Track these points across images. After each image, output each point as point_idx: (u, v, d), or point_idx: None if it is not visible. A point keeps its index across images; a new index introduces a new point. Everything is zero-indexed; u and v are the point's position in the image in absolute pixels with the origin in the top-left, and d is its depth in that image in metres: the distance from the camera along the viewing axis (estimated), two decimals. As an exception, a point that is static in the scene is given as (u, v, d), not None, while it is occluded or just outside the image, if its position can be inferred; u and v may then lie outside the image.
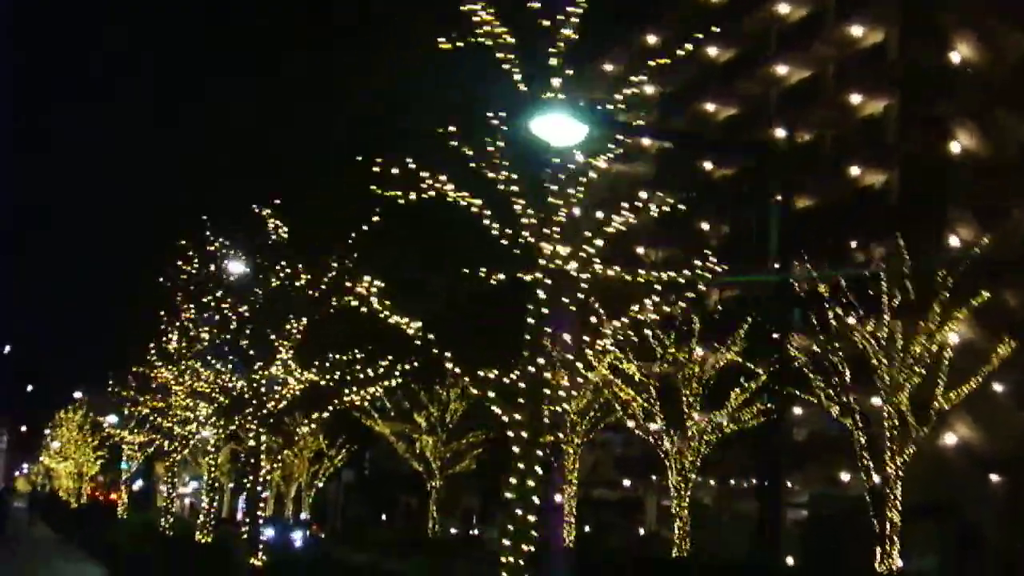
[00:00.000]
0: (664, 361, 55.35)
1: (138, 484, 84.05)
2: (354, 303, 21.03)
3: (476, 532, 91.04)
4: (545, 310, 18.37)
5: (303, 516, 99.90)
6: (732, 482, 79.49)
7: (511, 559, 18.44)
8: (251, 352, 34.39)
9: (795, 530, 73.94)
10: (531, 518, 19.04)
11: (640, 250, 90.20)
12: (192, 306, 40.66)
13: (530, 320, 18.46)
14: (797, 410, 57.06)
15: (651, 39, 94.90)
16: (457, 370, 19.44)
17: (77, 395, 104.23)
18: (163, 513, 52.71)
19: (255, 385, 34.04)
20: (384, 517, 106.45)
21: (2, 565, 46.00)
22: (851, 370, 45.78)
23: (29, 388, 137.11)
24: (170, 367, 44.35)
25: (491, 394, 19.49)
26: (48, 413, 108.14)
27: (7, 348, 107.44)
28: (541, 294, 18.33)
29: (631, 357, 53.81)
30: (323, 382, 33.86)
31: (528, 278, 18.50)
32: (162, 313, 43.88)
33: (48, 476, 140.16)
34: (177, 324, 42.62)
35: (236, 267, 36.67)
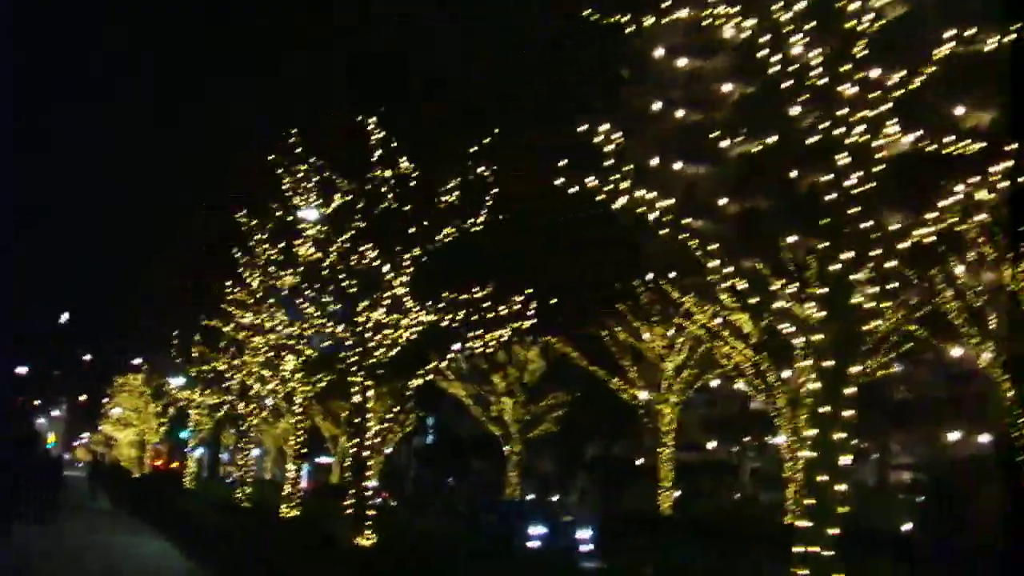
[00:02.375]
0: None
1: (198, 453, 77.82)
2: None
3: (555, 499, 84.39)
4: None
5: (372, 483, 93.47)
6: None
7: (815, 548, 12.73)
8: (354, 289, 27.62)
9: (900, 493, 67.70)
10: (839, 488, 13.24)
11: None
12: (272, 247, 34.07)
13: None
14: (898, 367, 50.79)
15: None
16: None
17: (137, 361, 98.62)
18: (239, 483, 45.90)
19: (359, 330, 27.32)
20: (451, 482, 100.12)
21: (58, 541, 39.37)
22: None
23: (88, 357, 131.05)
24: (249, 315, 37.54)
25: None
26: (108, 380, 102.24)
27: (65, 316, 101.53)
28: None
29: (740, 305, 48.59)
30: (445, 322, 27.07)
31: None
32: (238, 254, 36.91)
33: (108, 445, 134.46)
34: (258, 265, 35.61)
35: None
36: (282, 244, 33.77)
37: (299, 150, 29.10)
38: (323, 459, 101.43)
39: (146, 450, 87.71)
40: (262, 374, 40.05)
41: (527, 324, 27.86)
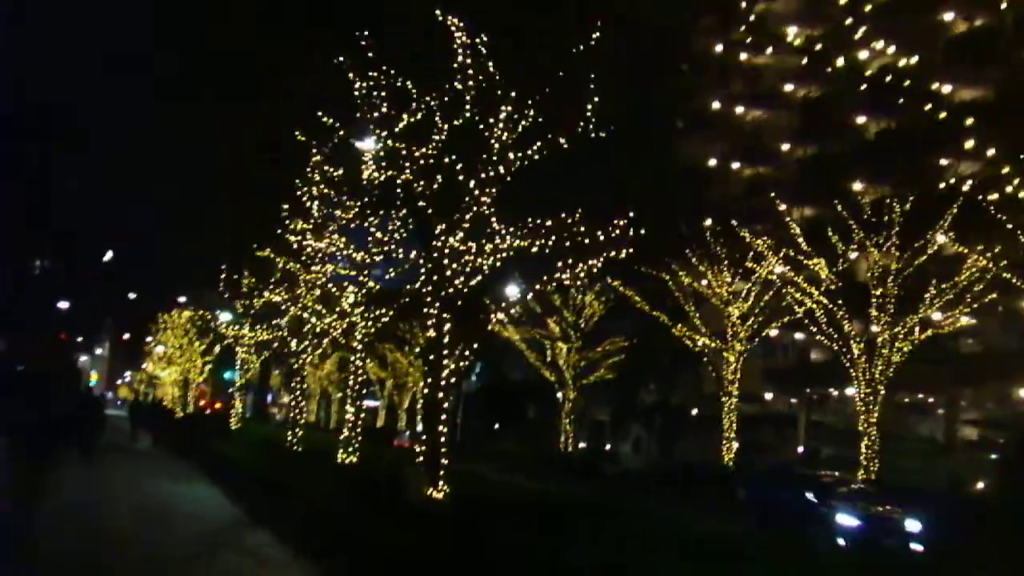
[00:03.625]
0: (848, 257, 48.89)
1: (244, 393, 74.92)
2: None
3: (608, 447, 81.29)
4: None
5: (418, 428, 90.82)
6: (907, 399, 69.87)
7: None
8: (431, 211, 24.09)
9: (970, 452, 64.53)
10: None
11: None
12: (334, 168, 30.66)
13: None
14: (965, 319, 47.90)
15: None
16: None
17: (182, 299, 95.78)
18: (289, 425, 42.51)
19: (436, 256, 23.83)
20: (497, 428, 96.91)
21: (99, 489, 36.17)
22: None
23: (132, 296, 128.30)
24: (308, 241, 34.08)
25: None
26: (153, 318, 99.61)
27: (109, 254, 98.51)
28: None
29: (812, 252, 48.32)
30: (536, 248, 23.50)
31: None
32: (296, 182, 33.44)
33: (151, 384, 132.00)
34: (318, 188, 32.08)
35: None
36: (341, 169, 30.51)
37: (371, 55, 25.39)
38: (369, 402, 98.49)
39: (190, 389, 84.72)
40: (319, 308, 36.57)
41: (623, 253, 24.21)
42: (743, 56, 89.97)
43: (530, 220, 23.78)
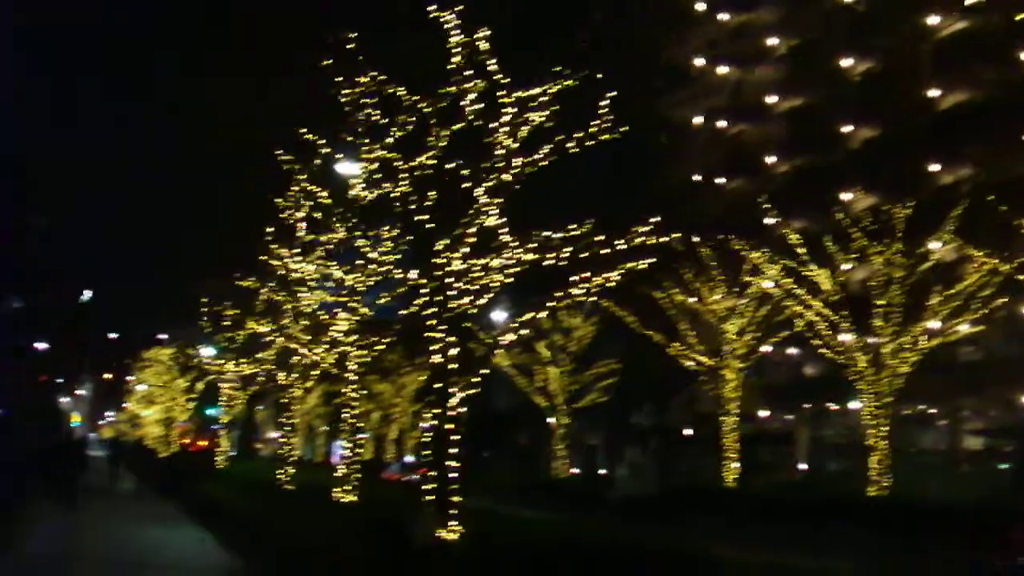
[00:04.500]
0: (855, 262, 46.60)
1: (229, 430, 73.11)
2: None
3: (603, 472, 79.40)
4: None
5: (407, 459, 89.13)
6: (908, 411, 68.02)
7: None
8: (431, 224, 21.84)
9: (976, 464, 62.79)
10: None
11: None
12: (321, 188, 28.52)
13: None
14: (960, 328, 46.10)
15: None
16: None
17: (163, 336, 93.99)
18: (279, 463, 40.20)
19: (438, 275, 21.59)
20: (486, 456, 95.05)
21: (80, 532, 34.02)
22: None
23: (113, 336, 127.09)
24: (297, 266, 31.96)
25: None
26: (134, 355, 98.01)
27: (87, 294, 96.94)
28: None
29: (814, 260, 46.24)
30: (547, 262, 21.25)
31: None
32: (278, 201, 31.32)
33: (134, 424, 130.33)
34: (303, 210, 29.95)
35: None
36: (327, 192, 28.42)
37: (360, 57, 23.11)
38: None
39: (173, 428, 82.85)
40: (308, 338, 34.33)
41: (644, 264, 22.00)
42: (723, 69, 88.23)
43: (543, 232, 21.59)
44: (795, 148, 79.89)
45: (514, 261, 21.36)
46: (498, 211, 21.37)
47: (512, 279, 21.71)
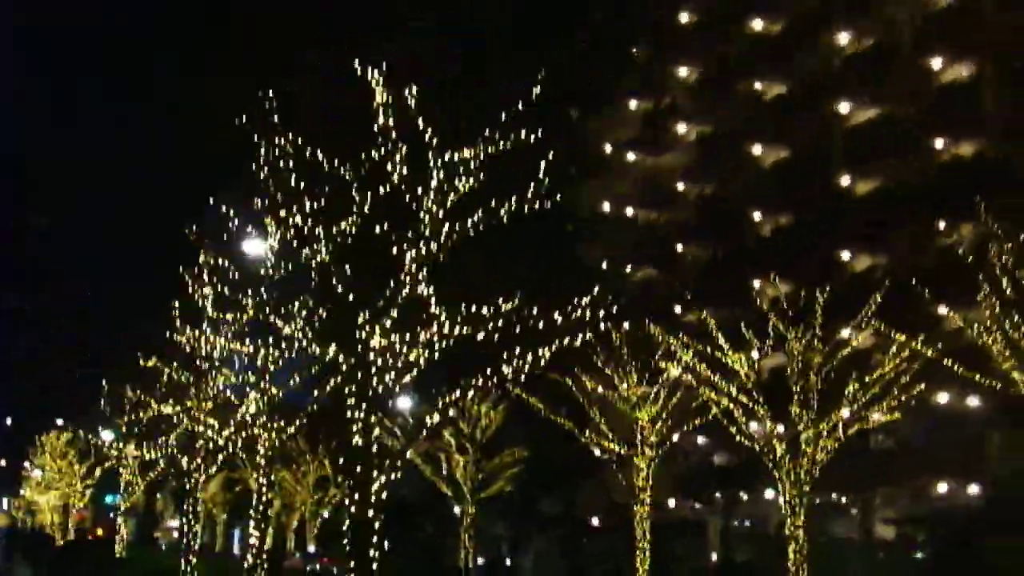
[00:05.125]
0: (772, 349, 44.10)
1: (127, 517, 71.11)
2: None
3: (509, 562, 77.73)
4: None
5: (310, 549, 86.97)
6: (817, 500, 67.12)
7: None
8: (351, 296, 20.23)
9: (891, 554, 61.80)
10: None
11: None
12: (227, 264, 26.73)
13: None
14: (877, 415, 45.17)
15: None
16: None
17: (60, 421, 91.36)
18: (182, 552, 37.99)
19: (360, 350, 19.99)
20: (387, 547, 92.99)
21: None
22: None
23: (8, 421, 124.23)
24: (199, 347, 30.12)
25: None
26: (30, 440, 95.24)
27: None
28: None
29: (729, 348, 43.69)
30: (483, 335, 19.71)
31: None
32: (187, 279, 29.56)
33: (30, 511, 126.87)
34: (211, 282, 28.07)
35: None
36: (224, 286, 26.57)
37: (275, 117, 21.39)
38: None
39: (70, 515, 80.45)
40: (214, 420, 32.46)
41: (579, 340, 20.56)
42: (632, 156, 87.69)
43: (472, 305, 20.03)
44: (706, 235, 79.29)
45: (438, 336, 19.78)
46: (424, 281, 19.80)
47: (438, 354, 20.11)
